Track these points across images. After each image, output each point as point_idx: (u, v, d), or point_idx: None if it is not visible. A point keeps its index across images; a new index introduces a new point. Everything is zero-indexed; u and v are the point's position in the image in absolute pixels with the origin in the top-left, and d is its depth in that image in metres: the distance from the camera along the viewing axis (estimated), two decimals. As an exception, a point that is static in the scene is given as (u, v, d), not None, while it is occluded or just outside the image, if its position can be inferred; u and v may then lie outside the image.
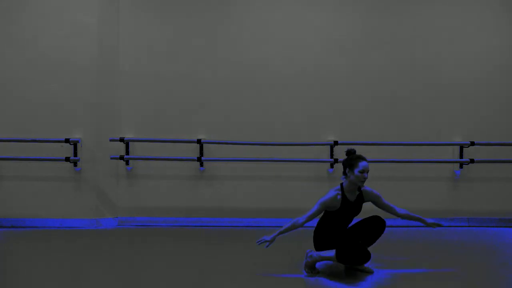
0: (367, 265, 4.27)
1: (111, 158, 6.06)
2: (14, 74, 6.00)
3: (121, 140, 6.06)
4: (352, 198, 4.20)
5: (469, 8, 6.29)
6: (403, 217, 4.29)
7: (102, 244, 5.30)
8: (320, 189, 6.19)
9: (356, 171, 4.09)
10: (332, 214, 4.17)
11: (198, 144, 6.10)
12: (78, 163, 5.99)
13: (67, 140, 5.90)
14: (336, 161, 6.08)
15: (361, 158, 4.15)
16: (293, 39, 6.22)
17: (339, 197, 4.15)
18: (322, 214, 4.22)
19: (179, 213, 6.22)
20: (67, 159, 5.91)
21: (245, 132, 6.19)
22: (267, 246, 4.04)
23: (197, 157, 6.07)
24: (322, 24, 6.23)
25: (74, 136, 6.01)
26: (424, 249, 5.13)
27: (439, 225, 4.27)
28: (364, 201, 4.26)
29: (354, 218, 4.28)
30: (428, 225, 4.25)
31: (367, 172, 4.12)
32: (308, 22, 6.23)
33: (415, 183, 6.27)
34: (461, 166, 6.24)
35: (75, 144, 5.93)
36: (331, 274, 4.18)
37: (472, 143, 6.15)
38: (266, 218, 6.21)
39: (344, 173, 4.21)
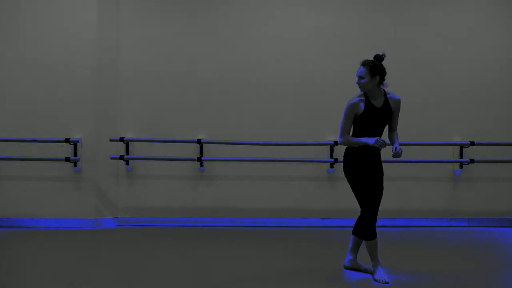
0: (367, 266, 4.28)
1: (111, 158, 6.06)
2: (14, 74, 6.00)
3: (121, 140, 6.06)
4: (377, 104, 4.14)
5: (469, 8, 6.29)
6: (389, 136, 4.26)
7: (102, 244, 5.30)
8: (320, 189, 6.22)
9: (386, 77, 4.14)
10: (359, 121, 4.10)
11: (198, 144, 6.10)
12: (78, 163, 5.99)
13: (67, 140, 5.91)
14: (336, 161, 6.08)
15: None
16: (294, 39, 6.22)
17: (362, 100, 4.09)
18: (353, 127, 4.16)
19: (179, 213, 6.22)
20: (67, 159, 5.91)
21: (245, 132, 6.19)
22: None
23: (197, 157, 6.07)
24: (323, 24, 6.23)
25: (74, 136, 6.02)
26: (424, 249, 5.13)
27: (397, 155, 4.05)
28: (391, 108, 4.19)
29: (383, 125, 4.18)
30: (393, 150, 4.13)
31: None
32: (309, 22, 6.22)
33: (415, 183, 6.27)
34: (461, 166, 6.24)
35: (75, 144, 5.93)
36: (330, 274, 4.18)
37: (472, 143, 6.15)
38: (266, 218, 6.21)
39: (370, 78, 4.09)
